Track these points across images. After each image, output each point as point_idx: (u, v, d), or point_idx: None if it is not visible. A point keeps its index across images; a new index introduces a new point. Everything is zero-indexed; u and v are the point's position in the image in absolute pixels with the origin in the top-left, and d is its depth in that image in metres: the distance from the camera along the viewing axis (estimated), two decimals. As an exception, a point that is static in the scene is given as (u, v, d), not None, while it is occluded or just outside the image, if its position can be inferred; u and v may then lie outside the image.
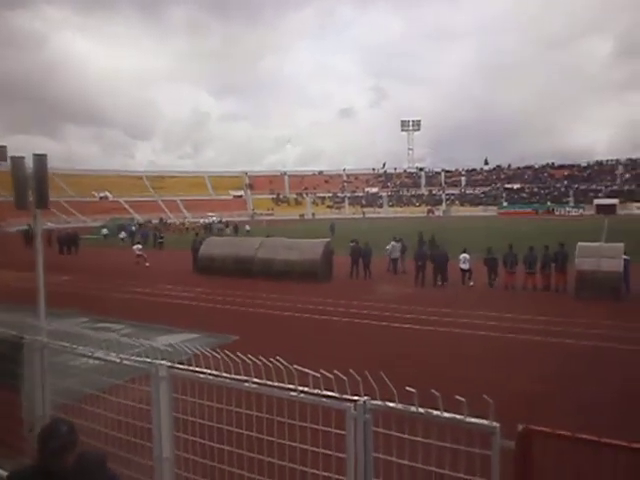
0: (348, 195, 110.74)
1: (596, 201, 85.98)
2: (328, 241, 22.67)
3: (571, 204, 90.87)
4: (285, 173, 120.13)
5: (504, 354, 10.91)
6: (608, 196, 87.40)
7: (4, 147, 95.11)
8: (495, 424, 2.80)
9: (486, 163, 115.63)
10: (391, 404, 3.12)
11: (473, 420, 2.86)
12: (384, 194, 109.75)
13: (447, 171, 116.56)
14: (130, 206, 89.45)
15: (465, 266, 19.13)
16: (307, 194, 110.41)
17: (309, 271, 20.72)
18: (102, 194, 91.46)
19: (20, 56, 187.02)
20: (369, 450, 3.17)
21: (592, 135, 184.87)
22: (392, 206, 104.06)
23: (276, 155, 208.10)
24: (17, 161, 5.40)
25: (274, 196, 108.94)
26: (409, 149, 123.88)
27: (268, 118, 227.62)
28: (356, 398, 3.18)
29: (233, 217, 74.72)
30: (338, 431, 3.28)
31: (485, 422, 2.83)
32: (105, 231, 48.87)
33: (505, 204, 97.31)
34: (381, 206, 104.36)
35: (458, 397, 2.81)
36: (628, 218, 63.86)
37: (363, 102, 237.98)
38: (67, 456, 2.37)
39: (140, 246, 29.21)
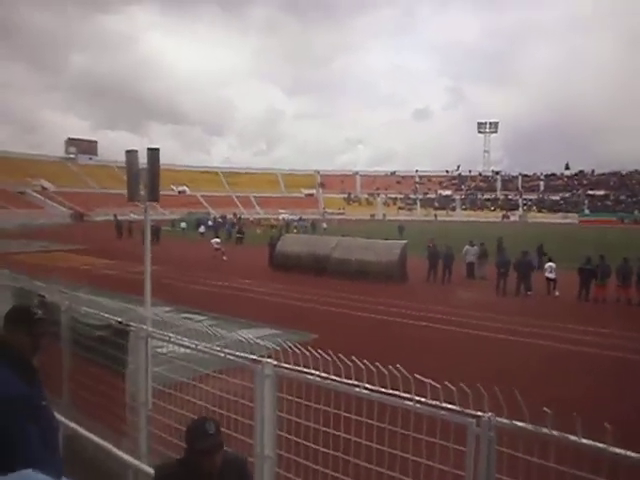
0: (420, 197, 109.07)
1: (691, 212, 79.83)
2: (405, 243, 22.33)
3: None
4: (357, 173, 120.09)
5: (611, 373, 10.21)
6: None
7: (95, 142, 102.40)
8: (647, 458, 2.51)
9: (567, 168, 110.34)
10: (520, 423, 2.89)
11: (618, 451, 2.58)
12: (457, 197, 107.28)
13: (525, 175, 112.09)
14: (205, 201, 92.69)
15: (551, 275, 18.22)
16: (378, 194, 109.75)
17: (385, 273, 20.47)
18: (180, 188, 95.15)
19: (109, 56, 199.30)
20: (491, 470, 2.96)
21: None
22: (465, 209, 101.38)
23: (348, 154, 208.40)
24: (131, 155, 5.58)
25: (345, 195, 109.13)
26: (485, 151, 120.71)
27: (341, 117, 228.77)
28: (480, 414, 2.98)
29: (305, 215, 75.56)
30: (457, 447, 3.10)
31: (633, 454, 2.55)
32: (184, 225, 50.71)
33: (587, 212, 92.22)
34: (454, 209, 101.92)
35: (606, 425, 2.54)
36: None
37: (438, 103, 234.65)
38: (217, 456, 2.35)
39: (219, 240, 30.04)
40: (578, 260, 18.43)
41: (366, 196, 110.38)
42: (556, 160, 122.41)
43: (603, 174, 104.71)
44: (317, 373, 3.78)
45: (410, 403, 3.24)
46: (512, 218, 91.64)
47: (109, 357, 5.54)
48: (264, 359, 4.02)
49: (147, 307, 5.73)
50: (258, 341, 4.61)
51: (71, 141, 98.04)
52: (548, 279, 18.42)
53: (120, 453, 4.48)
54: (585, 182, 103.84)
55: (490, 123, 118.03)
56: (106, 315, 5.96)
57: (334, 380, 3.63)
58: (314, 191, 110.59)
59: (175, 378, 5.12)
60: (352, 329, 13.21)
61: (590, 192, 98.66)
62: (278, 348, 4.11)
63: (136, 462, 4.34)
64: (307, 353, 3.80)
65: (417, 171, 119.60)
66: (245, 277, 21.64)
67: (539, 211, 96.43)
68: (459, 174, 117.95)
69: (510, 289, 18.75)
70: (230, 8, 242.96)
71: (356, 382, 3.52)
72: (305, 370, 3.81)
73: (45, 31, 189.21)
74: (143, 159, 5.61)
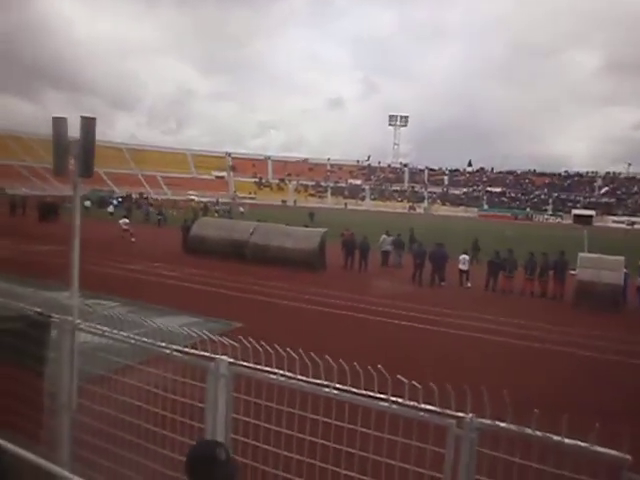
0: (331, 185, 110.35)
1: (574, 211, 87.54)
2: (325, 231, 22.30)
3: (549, 212, 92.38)
4: (269, 158, 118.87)
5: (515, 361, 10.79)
6: (586, 207, 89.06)
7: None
8: (627, 457, 2.50)
9: (469, 165, 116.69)
10: (502, 424, 2.82)
11: (601, 449, 2.57)
12: (367, 187, 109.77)
13: (431, 169, 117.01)
14: (108, 178, 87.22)
15: (464, 267, 19.06)
16: (290, 181, 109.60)
17: (305, 260, 20.34)
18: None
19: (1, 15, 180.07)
20: (472, 472, 2.87)
21: (572, 145, 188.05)
22: (374, 199, 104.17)
23: (260, 139, 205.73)
24: (59, 122, 4.87)
25: (256, 180, 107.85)
26: (395, 144, 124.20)
27: (254, 101, 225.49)
28: (461, 415, 2.88)
29: (215, 198, 73.61)
30: (435, 448, 2.98)
31: (614, 452, 2.54)
32: (88, 203, 47.23)
33: (485, 207, 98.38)
34: (363, 199, 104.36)
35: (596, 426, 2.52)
36: (604, 230, 65.09)
37: (352, 94, 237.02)
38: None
39: (127, 220, 28.39)
40: (494, 254, 19.32)
41: (277, 182, 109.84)
42: (460, 157, 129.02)
43: (501, 172, 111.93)
44: (280, 372, 3.50)
45: (385, 404, 3.07)
46: (418, 210, 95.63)
47: (21, 353, 4.83)
48: (218, 356, 3.68)
49: (74, 295, 5.09)
50: (193, 331, 4.14)
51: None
52: (461, 270, 19.25)
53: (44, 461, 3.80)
54: (485, 179, 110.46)
55: (401, 117, 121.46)
56: (20, 304, 5.21)
57: (301, 380, 3.39)
58: (224, 174, 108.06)
59: (97, 372, 4.55)
60: (275, 318, 12.90)
61: (489, 189, 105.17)
62: (214, 338, 3.76)
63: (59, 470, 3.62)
64: (247, 344, 3.51)
65: (329, 159, 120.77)
66: (158, 261, 20.59)
67: (443, 204, 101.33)
68: (369, 164, 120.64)
69: (425, 279, 19.38)
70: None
71: (325, 382, 3.30)
72: (267, 369, 3.51)
73: None
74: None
